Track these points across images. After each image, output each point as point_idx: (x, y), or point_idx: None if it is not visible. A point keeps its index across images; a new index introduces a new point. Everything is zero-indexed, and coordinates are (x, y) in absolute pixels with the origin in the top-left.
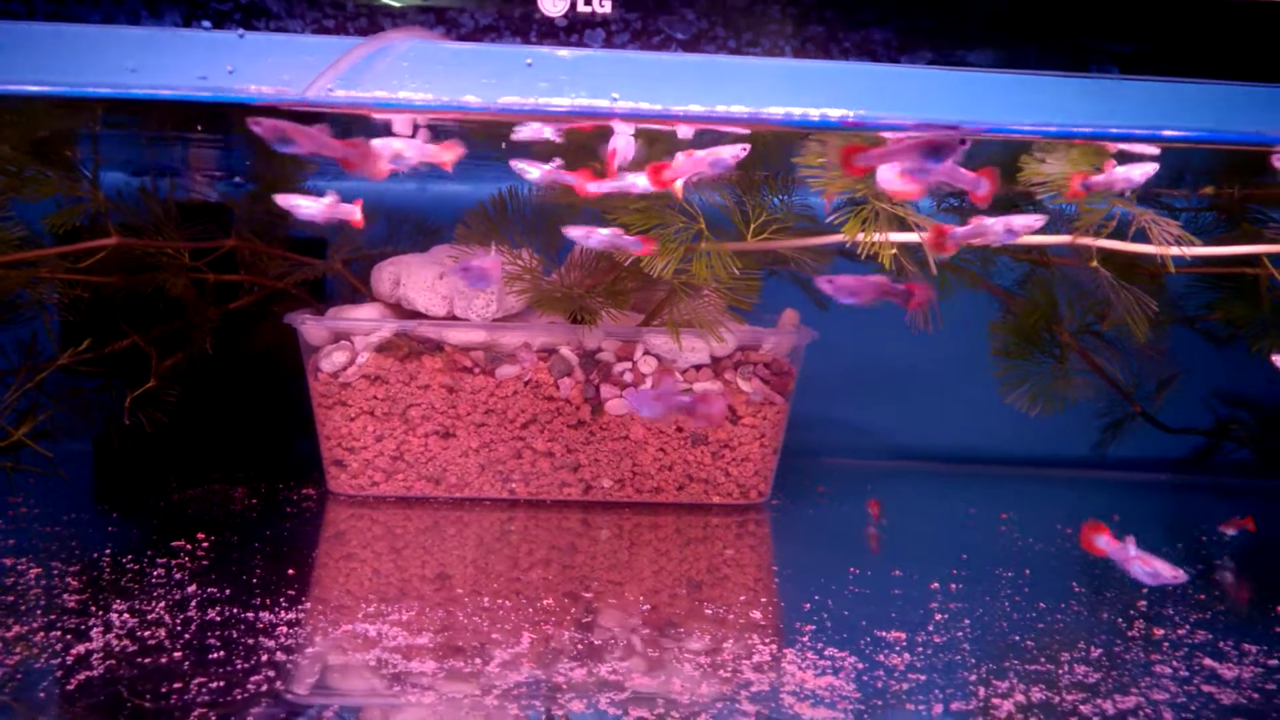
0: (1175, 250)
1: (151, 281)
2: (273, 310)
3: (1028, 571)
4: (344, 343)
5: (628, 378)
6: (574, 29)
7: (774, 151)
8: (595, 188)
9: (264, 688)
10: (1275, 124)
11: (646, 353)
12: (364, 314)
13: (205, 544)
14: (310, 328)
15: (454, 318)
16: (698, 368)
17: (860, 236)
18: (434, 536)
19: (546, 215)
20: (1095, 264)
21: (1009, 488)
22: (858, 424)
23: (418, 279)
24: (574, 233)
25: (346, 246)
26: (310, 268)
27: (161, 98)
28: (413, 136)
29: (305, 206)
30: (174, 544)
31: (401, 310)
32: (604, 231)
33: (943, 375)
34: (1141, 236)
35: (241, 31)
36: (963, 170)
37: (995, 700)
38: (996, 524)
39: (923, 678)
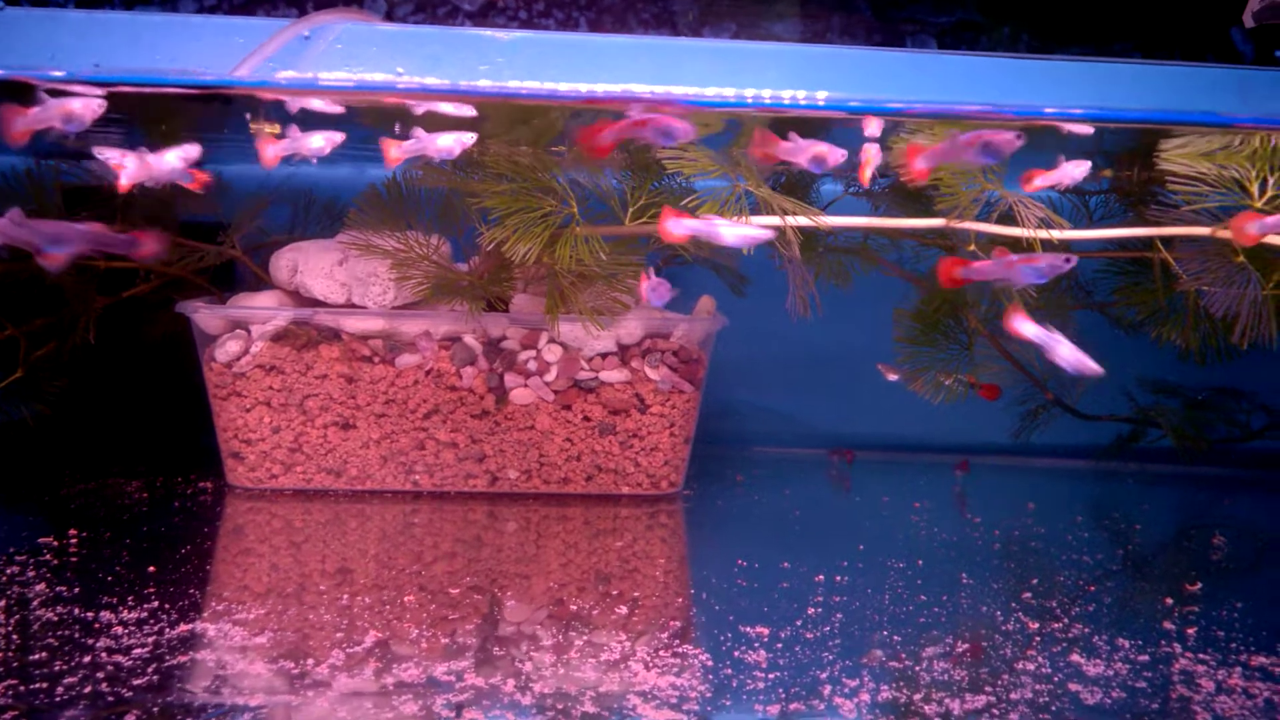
0: (1044, 233)
1: (26, 269)
2: (173, 298)
3: (920, 563)
4: (239, 332)
5: (532, 366)
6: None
7: None
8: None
9: (86, 689)
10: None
11: (551, 340)
12: (261, 302)
13: (74, 541)
14: (204, 316)
15: (353, 305)
16: (604, 355)
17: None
18: (334, 530)
19: (446, 199)
20: (973, 247)
21: (929, 476)
22: (783, 412)
23: (315, 265)
24: (106, 154)
25: (241, 231)
26: (204, 254)
27: None
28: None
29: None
30: (40, 540)
31: (300, 298)
32: (132, 159)
33: (869, 363)
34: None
35: (3, 4)
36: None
37: (838, 700)
38: (908, 513)
39: (774, 676)
